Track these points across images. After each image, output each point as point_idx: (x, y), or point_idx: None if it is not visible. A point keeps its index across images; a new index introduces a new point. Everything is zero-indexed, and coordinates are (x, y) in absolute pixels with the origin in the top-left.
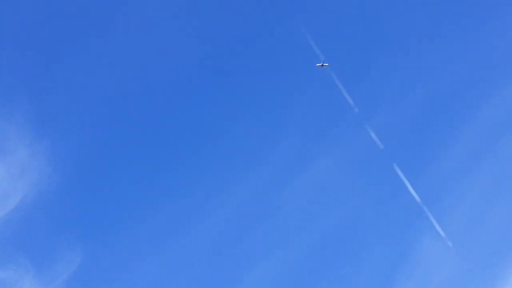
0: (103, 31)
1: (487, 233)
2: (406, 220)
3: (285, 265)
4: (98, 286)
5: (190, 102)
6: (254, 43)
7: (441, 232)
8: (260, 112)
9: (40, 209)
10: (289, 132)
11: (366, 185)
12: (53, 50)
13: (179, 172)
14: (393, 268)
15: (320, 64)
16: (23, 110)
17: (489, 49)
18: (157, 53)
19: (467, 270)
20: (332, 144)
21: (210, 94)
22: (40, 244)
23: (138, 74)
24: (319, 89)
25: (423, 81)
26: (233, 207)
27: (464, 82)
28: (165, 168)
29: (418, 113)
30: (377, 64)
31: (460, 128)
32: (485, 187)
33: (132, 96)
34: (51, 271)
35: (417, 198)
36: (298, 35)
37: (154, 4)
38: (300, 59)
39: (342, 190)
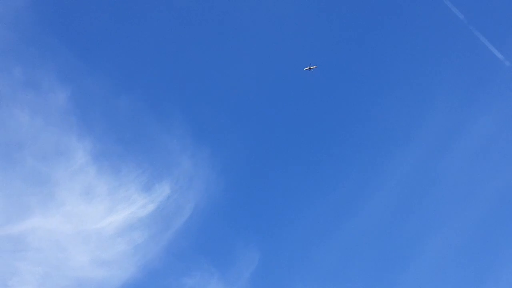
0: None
1: None
2: None
3: (462, 231)
4: (279, 279)
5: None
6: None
7: None
8: (410, 79)
9: (212, 215)
10: (442, 96)
11: None
12: (201, 62)
13: (337, 156)
14: None
15: (307, 67)
16: (180, 123)
17: None
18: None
19: None
20: (488, 103)
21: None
22: (219, 248)
23: (289, 78)
24: (464, 49)
25: None
26: (396, 179)
27: None
28: (321, 155)
29: None
30: None
31: None
32: None
33: (278, 94)
34: (234, 272)
35: None
36: None
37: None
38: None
39: (506, 150)
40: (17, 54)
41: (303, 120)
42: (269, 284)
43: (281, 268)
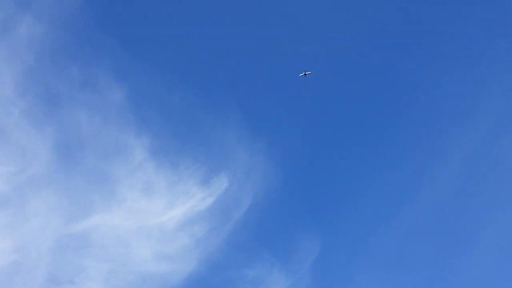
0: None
1: None
2: None
3: None
4: (340, 268)
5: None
6: None
7: None
8: (471, 57)
9: (271, 206)
10: (504, 74)
11: None
12: (253, 54)
13: (395, 142)
14: None
15: (303, 73)
16: (235, 116)
17: None
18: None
19: None
20: None
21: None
22: (279, 238)
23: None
24: None
25: None
26: (457, 162)
27: None
28: (379, 141)
29: None
30: None
31: None
32: None
33: (332, 81)
34: (295, 262)
35: None
36: None
37: None
38: None
39: None
40: (73, 55)
41: (359, 107)
42: (331, 272)
43: (342, 256)
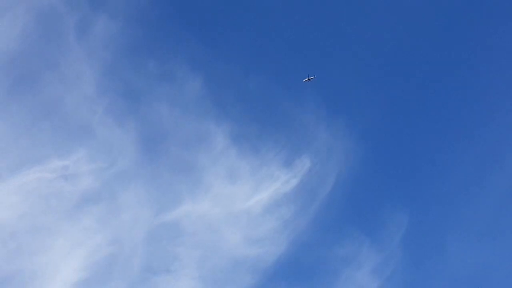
0: None
1: None
2: None
3: None
4: (431, 239)
5: None
6: None
7: None
8: None
9: (355, 183)
10: None
11: None
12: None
13: (478, 111)
14: None
15: (306, 79)
16: (312, 96)
17: None
18: None
19: None
20: None
21: None
22: (366, 215)
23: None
24: None
25: None
26: None
27: None
28: (461, 111)
29: None
30: None
31: None
32: None
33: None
34: (384, 237)
35: None
36: None
37: None
38: None
39: None
40: (149, 49)
41: (441, 75)
42: (422, 244)
43: (432, 228)
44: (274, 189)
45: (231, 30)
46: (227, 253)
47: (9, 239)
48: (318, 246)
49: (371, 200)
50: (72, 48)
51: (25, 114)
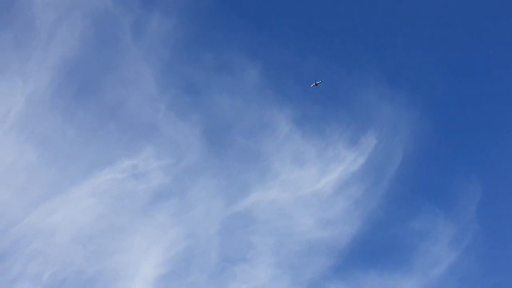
0: None
1: None
2: None
3: None
4: (507, 208)
5: None
6: None
7: None
8: None
9: (423, 156)
10: None
11: None
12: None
13: None
14: None
15: (314, 83)
16: (372, 72)
17: None
18: None
19: None
20: None
21: None
22: (438, 187)
23: None
24: None
25: None
26: None
27: None
28: None
29: None
30: None
31: None
32: None
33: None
34: (458, 208)
35: None
36: None
37: None
38: None
39: None
40: (205, 42)
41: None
42: (497, 213)
43: (506, 196)
44: (342, 169)
45: (283, 15)
46: (301, 238)
47: (88, 241)
48: (392, 222)
49: (441, 172)
50: (129, 49)
51: (92, 118)
